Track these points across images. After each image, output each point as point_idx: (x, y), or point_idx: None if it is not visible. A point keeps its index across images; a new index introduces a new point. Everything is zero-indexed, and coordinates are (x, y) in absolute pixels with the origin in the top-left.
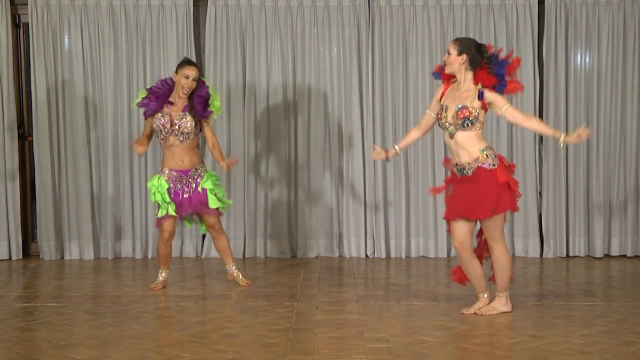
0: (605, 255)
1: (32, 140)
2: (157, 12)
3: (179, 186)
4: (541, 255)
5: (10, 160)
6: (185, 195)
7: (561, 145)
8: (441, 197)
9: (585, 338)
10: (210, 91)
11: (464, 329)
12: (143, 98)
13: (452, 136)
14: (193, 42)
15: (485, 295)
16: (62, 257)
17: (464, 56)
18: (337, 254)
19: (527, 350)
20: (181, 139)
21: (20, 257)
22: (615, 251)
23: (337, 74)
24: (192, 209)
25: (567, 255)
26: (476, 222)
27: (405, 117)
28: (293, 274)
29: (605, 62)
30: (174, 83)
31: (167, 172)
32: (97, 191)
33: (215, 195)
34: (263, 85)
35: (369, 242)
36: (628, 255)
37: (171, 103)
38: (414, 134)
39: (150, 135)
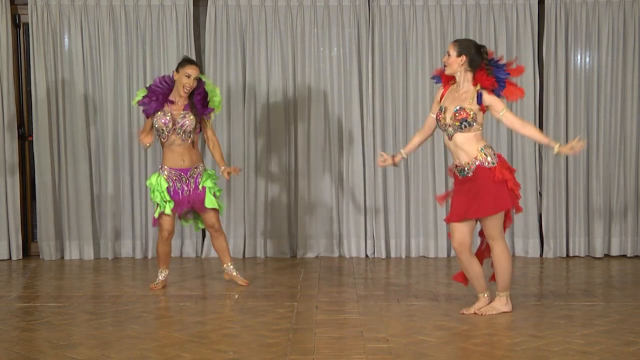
0: (605, 255)
1: (32, 140)
2: (157, 12)
3: (178, 185)
4: (541, 255)
5: (10, 160)
6: (185, 194)
7: (555, 155)
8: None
9: (585, 338)
10: (209, 86)
11: (464, 329)
12: (143, 97)
13: (451, 137)
14: (193, 42)
15: (485, 295)
16: (62, 257)
17: (464, 57)
18: (337, 254)
19: (527, 350)
20: (183, 137)
21: (20, 257)
22: (615, 251)
23: (337, 74)
24: (190, 206)
25: (567, 255)
26: (476, 222)
27: (405, 117)
28: (293, 274)
29: (605, 62)
30: (173, 82)
31: (166, 170)
32: (97, 191)
33: (214, 195)
34: (263, 85)
35: (369, 242)
36: (628, 255)
37: (171, 102)
38: (417, 138)
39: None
